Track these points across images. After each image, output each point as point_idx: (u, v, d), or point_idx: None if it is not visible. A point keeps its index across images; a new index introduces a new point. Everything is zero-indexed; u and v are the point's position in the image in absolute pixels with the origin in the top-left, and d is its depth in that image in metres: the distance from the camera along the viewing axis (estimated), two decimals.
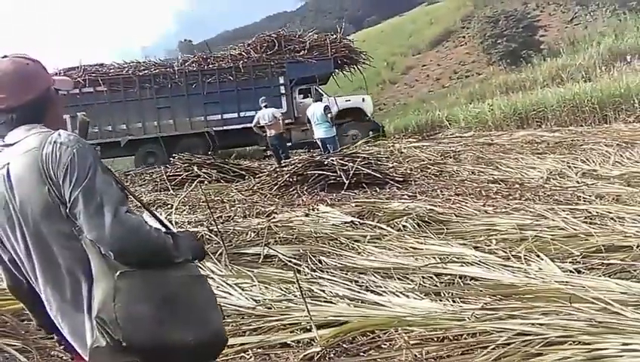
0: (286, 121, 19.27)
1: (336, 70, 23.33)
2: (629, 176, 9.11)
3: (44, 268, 1.88)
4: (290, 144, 17.94)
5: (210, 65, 21.52)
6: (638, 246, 5.11)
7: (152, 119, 20.80)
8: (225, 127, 20.46)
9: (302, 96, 21.27)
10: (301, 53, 21.83)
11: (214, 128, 20.25)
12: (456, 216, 7.18)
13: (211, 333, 1.93)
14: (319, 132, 13.97)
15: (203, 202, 8.81)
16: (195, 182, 10.92)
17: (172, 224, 7.17)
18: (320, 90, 21.34)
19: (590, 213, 6.71)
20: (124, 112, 20.61)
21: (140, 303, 1.79)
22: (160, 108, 20.72)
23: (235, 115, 20.40)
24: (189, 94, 20.81)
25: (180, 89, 20.92)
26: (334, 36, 23.31)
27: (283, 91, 21.22)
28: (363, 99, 22.55)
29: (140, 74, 21.11)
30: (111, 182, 1.85)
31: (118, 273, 1.79)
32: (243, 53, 22.12)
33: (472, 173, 11.01)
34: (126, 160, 22.37)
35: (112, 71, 21.56)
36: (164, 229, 2.00)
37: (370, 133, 20.94)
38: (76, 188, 1.78)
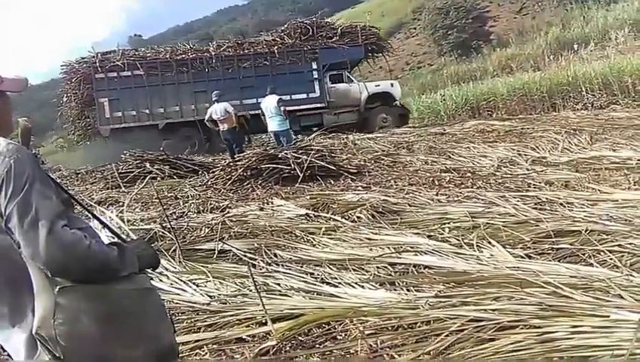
0: (318, 105, 20.48)
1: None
2: (577, 163, 9.32)
3: None
4: (246, 139, 17.87)
5: (246, 51, 21.73)
6: (586, 231, 5.22)
7: (189, 103, 20.84)
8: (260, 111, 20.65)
9: (332, 81, 21.64)
10: (333, 40, 22.14)
11: (250, 112, 19.82)
12: (410, 205, 7.23)
13: (161, 348, 1.88)
14: (272, 125, 13.95)
15: (156, 199, 8.69)
16: (147, 179, 10.77)
17: (124, 222, 7.06)
18: (350, 76, 22.22)
19: (540, 199, 6.83)
20: (161, 96, 20.62)
21: (81, 319, 1.72)
22: (197, 92, 20.70)
23: None
24: (225, 78, 20.86)
25: (217, 73, 21.01)
26: (363, 24, 23.72)
27: (316, 76, 21.46)
28: (392, 85, 23.02)
29: (178, 58, 21.19)
30: (49, 194, 1.76)
31: (57, 288, 1.71)
32: (277, 39, 22.43)
33: (425, 162, 11.11)
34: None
35: (149, 55, 21.66)
36: (108, 239, 1.93)
37: (399, 116, 21.51)
38: (11, 201, 1.71)
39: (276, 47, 21.61)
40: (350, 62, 22.76)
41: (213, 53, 21.43)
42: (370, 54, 24.22)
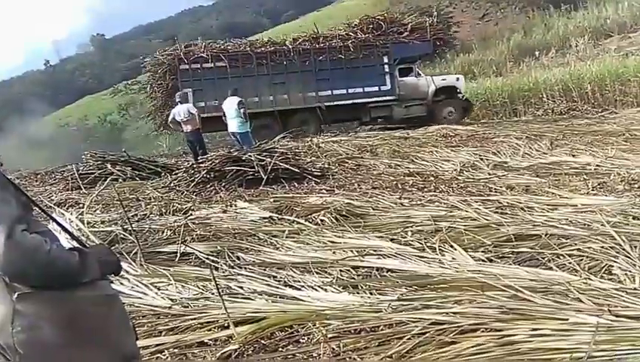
0: (389, 98, 21.00)
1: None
2: (537, 168, 9.48)
3: None
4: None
5: (321, 44, 22.08)
6: (546, 235, 5.31)
7: (268, 94, 21.18)
8: (334, 103, 21.09)
9: (401, 75, 22.03)
10: (404, 35, 22.50)
11: (325, 103, 20.81)
12: (373, 209, 7.26)
13: (123, 354, 1.85)
14: (232, 126, 14.00)
15: (117, 200, 8.56)
16: (108, 180, 10.60)
17: (84, 224, 6.94)
18: (419, 70, 22.72)
19: (501, 203, 6.92)
20: (241, 87, 20.45)
21: (42, 327, 1.68)
22: (275, 84, 21.07)
23: (344, 90, 21.02)
24: (301, 71, 21.23)
25: (294, 66, 21.33)
26: (432, 19, 24.15)
27: (387, 70, 21.80)
28: (457, 79, 23.25)
29: (257, 51, 21.50)
30: (8, 198, 1.71)
31: (16, 294, 1.67)
32: (350, 33, 22.72)
33: (389, 166, 11.17)
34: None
35: (230, 47, 21.94)
36: (68, 243, 1.89)
37: (463, 109, 21.95)
38: None
39: (350, 41, 22.00)
40: (419, 57, 23.55)
41: (290, 47, 21.79)
42: (436, 49, 25.03)
